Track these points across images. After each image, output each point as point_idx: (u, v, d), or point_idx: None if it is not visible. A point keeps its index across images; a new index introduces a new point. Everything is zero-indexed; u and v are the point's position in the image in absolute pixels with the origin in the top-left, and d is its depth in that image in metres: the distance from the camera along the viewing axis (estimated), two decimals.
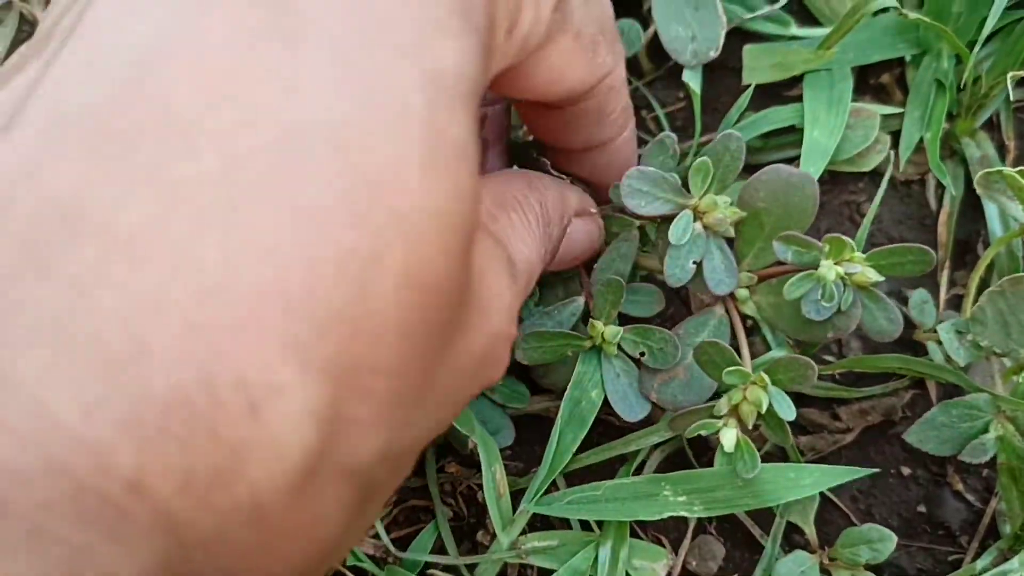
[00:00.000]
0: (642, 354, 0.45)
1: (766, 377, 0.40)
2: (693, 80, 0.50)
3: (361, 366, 0.21)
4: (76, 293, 0.18)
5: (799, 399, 0.51)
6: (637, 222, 0.45)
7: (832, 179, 0.54)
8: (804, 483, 0.45)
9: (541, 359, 0.45)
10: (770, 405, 0.40)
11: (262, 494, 0.20)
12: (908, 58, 0.53)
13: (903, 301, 0.52)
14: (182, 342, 0.19)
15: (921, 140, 0.51)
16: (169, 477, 0.19)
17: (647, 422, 0.50)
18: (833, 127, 0.48)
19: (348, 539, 0.25)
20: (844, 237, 0.40)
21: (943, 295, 0.52)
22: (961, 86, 0.51)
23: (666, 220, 0.42)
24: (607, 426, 0.51)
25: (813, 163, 0.48)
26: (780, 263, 0.42)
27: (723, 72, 0.55)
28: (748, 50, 0.52)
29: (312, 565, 0.23)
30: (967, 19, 0.50)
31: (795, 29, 0.53)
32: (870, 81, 0.55)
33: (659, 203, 0.41)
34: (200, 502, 0.19)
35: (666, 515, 0.44)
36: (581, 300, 0.45)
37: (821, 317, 0.41)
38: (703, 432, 0.41)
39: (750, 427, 0.41)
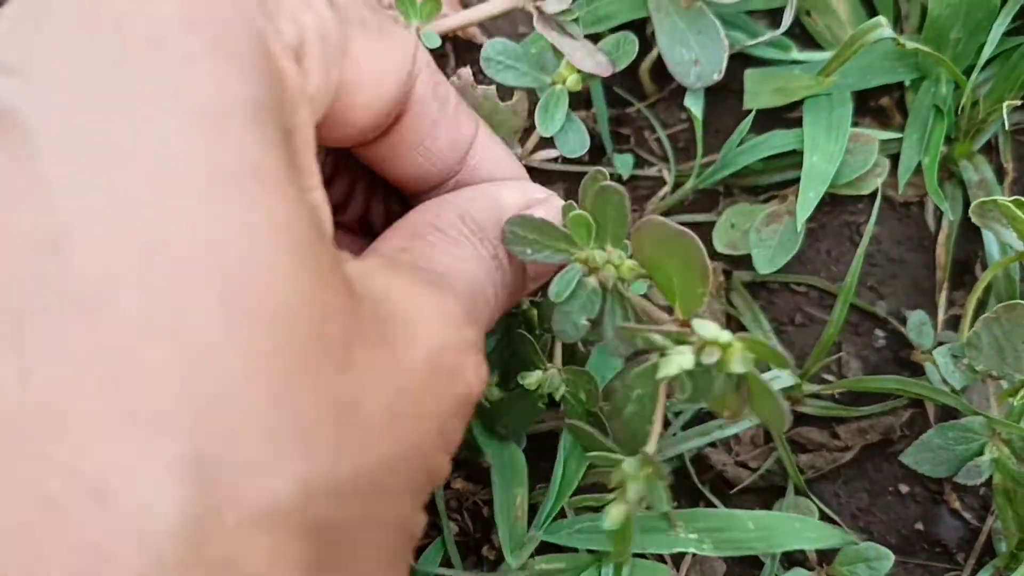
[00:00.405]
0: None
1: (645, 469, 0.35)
2: (695, 105, 0.51)
3: (213, 406, 0.20)
4: None
5: (799, 418, 0.52)
6: None
7: (832, 200, 0.54)
8: (810, 536, 0.46)
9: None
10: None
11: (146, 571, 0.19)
12: (907, 82, 0.54)
13: (902, 322, 0.53)
14: (7, 454, 0.18)
15: (920, 163, 0.52)
16: None
17: None
18: (832, 152, 0.49)
19: None
20: (704, 325, 0.32)
21: (941, 315, 0.53)
22: (959, 110, 0.52)
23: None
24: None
25: (813, 188, 0.49)
26: None
27: (725, 94, 0.56)
28: (750, 74, 0.53)
29: None
30: (965, 45, 0.51)
31: (796, 53, 0.54)
32: (870, 104, 0.56)
33: (548, 252, 0.36)
34: None
35: (676, 550, 0.45)
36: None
37: (694, 399, 0.34)
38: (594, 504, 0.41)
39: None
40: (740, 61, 0.54)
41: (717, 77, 0.51)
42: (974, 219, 0.43)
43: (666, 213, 0.55)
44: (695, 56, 0.50)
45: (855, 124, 0.53)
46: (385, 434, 0.24)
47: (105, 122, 0.21)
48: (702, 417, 0.51)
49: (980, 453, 0.45)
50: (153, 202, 0.21)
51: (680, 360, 0.31)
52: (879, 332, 0.54)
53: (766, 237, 0.51)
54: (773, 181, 0.54)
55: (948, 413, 0.50)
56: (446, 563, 0.50)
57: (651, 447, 0.34)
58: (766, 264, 0.50)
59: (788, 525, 0.46)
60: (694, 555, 0.50)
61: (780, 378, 0.49)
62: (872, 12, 0.56)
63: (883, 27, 0.46)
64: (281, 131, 0.24)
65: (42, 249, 0.20)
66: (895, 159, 0.54)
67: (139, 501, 0.18)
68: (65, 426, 0.18)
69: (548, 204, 0.38)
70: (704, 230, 0.54)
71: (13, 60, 0.22)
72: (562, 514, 0.48)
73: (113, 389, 0.19)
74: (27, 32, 0.23)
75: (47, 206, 0.20)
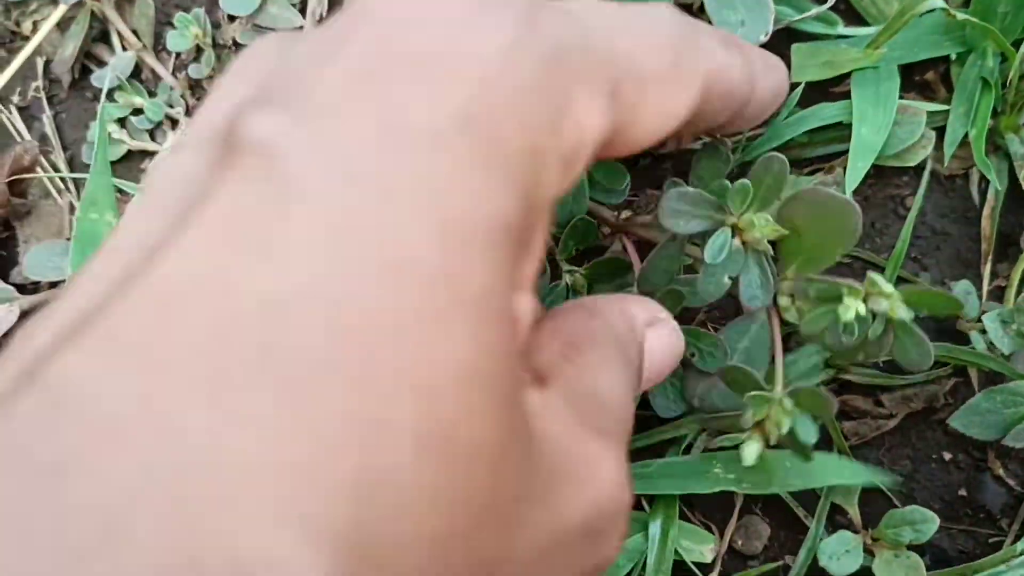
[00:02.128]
0: (692, 355, 0.46)
1: (788, 403, 0.40)
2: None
3: (380, 537, 0.19)
4: (48, 483, 0.17)
5: (844, 386, 0.52)
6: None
7: (877, 173, 0.55)
8: (845, 473, 0.48)
9: None
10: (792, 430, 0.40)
11: None
12: (953, 56, 0.54)
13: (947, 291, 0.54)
14: (165, 523, 0.17)
15: (966, 136, 0.53)
16: None
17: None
18: (880, 124, 0.50)
19: None
20: (874, 277, 0.39)
21: (986, 286, 0.54)
22: (1006, 83, 0.52)
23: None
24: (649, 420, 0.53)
25: (861, 158, 0.50)
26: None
27: None
28: (796, 48, 0.54)
29: None
30: (1013, 19, 0.52)
31: (842, 28, 0.55)
32: (915, 78, 0.56)
33: (697, 222, 0.41)
34: None
35: (716, 489, 0.46)
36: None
37: (847, 345, 0.41)
38: (727, 444, 0.44)
39: (772, 443, 0.41)
40: (787, 36, 0.55)
41: (763, 38, 0.52)
42: None
43: None
44: (741, 18, 0.51)
45: (901, 98, 0.54)
46: None
47: (358, 199, 0.21)
48: None
49: None
50: (377, 303, 0.20)
51: (856, 306, 0.39)
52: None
53: None
54: (818, 154, 0.55)
55: (992, 381, 0.51)
56: None
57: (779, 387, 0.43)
58: None
59: (825, 463, 0.47)
60: (738, 519, 0.51)
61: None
62: None
63: None
64: (519, 246, 0.24)
65: (265, 313, 0.19)
66: (940, 132, 0.54)
67: None
68: (234, 506, 0.18)
69: (668, 324, 0.38)
70: None
71: (292, 96, 0.22)
72: None
73: (280, 488, 0.18)
74: (315, 68, 0.23)
75: (281, 268, 0.20)
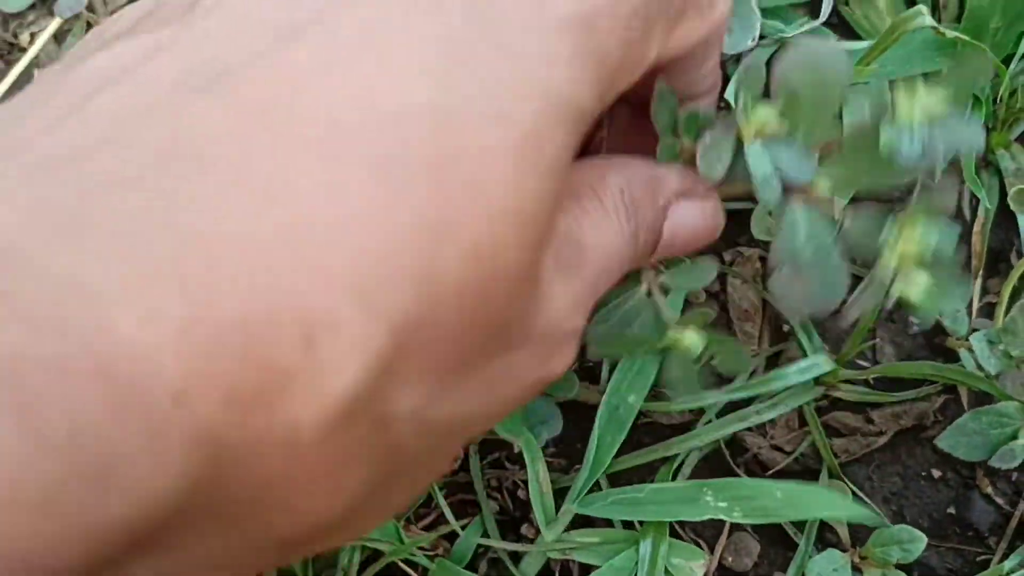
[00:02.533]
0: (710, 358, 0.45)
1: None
2: (734, 96, 0.51)
3: (420, 323, 0.22)
4: (164, 208, 0.20)
5: (834, 403, 0.53)
6: None
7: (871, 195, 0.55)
8: (837, 506, 0.48)
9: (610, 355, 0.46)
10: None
11: (300, 424, 0.21)
12: (945, 72, 0.54)
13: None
14: (256, 275, 0.20)
15: (956, 152, 0.53)
16: (214, 391, 0.19)
17: (687, 427, 0.52)
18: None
19: (367, 511, 0.26)
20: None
21: (976, 303, 0.54)
22: (997, 100, 0.52)
23: None
24: (648, 424, 0.53)
25: None
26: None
27: (765, 82, 0.56)
28: None
29: (330, 518, 0.24)
30: (1004, 34, 0.51)
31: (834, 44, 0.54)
32: None
33: (725, 154, 0.38)
34: (240, 421, 0.20)
35: (707, 517, 0.46)
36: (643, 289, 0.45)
37: (912, 161, 0.37)
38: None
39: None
40: (779, 50, 0.55)
41: (751, 44, 0.52)
42: (1013, 206, 0.44)
43: None
44: (728, 25, 0.51)
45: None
46: (480, 395, 0.26)
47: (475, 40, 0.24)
48: (738, 402, 0.52)
49: (1014, 437, 0.46)
50: (475, 138, 0.23)
51: None
52: (914, 319, 0.54)
53: None
54: None
55: (981, 399, 0.51)
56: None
57: None
58: None
59: (816, 496, 0.47)
60: (728, 536, 0.52)
61: (817, 365, 0.50)
62: (911, 2, 0.56)
63: (923, 15, 0.46)
64: (583, 124, 0.26)
65: (382, 117, 0.22)
66: None
67: (327, 365, 0.21)
68: (315, 273, 0.20)
69: (705, 199, 0.38)
70: (743, 217, 0.55)
71: None
72: (598, 489, 0.50)
73: (354, 264, 0.21)
74: None
75: (401, 85, 0.22)
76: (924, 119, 0.37)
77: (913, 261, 0.36)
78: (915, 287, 0.36)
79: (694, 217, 0.39)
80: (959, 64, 0.37)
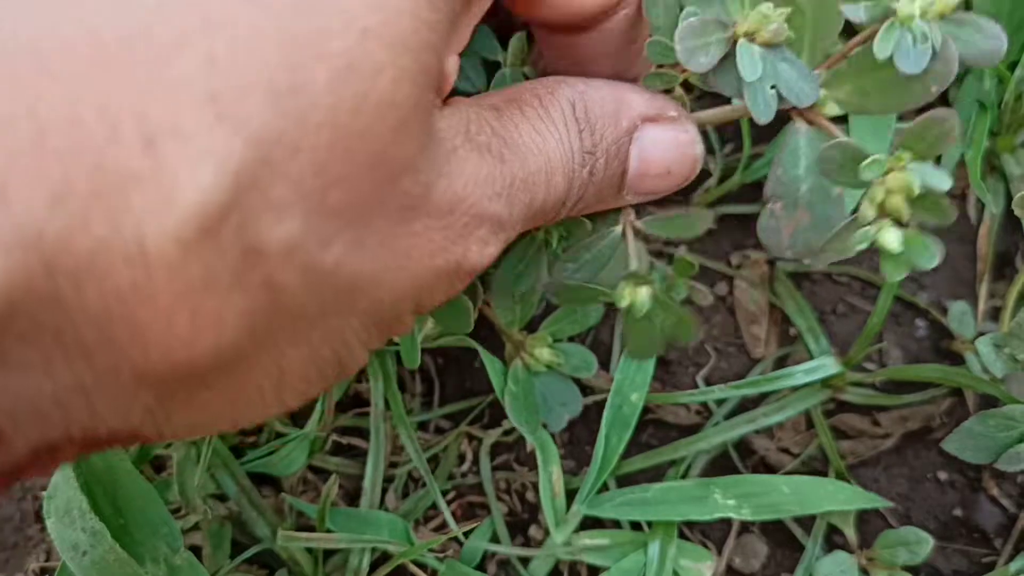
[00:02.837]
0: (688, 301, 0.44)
1: (904, 153, 0.34)
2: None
3: (282, 141, 0.21)
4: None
5: (841, 405, 0.53)
6: None
7: None
8: (840, 497, 0.48)
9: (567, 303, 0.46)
10: (922, 185, 0.34)
11: (147, 235, 0.19)
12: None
13: (942, 312, 0.54)
14: (93, 77, 0.19)
15: (962, 157, 0.53)
16: (37, 189, 0.18)
17: (695, 428, 0.52)
18: (877, 148, 0.50)
19: (254, 369, 0.24)
20: None
21: (982, 306, 0.54)
22: (1002, 105, 0.52)
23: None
24: (658, 426, 0.54)
25: None
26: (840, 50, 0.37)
27: None
28: None
29: (199, 357, 0.22)
30: (1009, 41, 0.52)
31: None
32: None
33: (712, 48, 0.35)
34: (75, 224, 0.19)
35: (716, 516, 0.46)
36: (619, 230, 0.42)
37: (920, 67, 0.34)
38: (863, 245, 0.36)
39: (906, 221, 0.35)
40: None
41: None
42: (1016, 211, 0.44)
43: (712, 204, 0.56)
44: None
45: (899, 117, 0.54)
46: (374, 251, 0.25)
47: None
48: (746, 405, 0.52)
49: (1020, 441, 0.46)
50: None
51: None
52: (920, 322, 0.55)
53: None
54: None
55: (987, 402, 0.51)
56: (495, 542, 0.52)
57: None
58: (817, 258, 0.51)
59: (821, 488, 0.47)
60: (736, 538, 0.52)
61: (824, 366, 0.50)
62: None
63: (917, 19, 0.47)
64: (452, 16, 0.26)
65: None
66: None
67: (172, 170, 0.20)
68: (158, 74, 0.20)
69: (677, 125, 0.37)
70: (750, 221, 0.55)
71: None
72: (606, 489, 0.50)
73: (207, 72, 0.20)
74: None
75: None
76: (934, 17, 0.34)
77: (897, 206, 0.34)
78: (891, 237, 0.34)
79: (666, 144, 0.37)
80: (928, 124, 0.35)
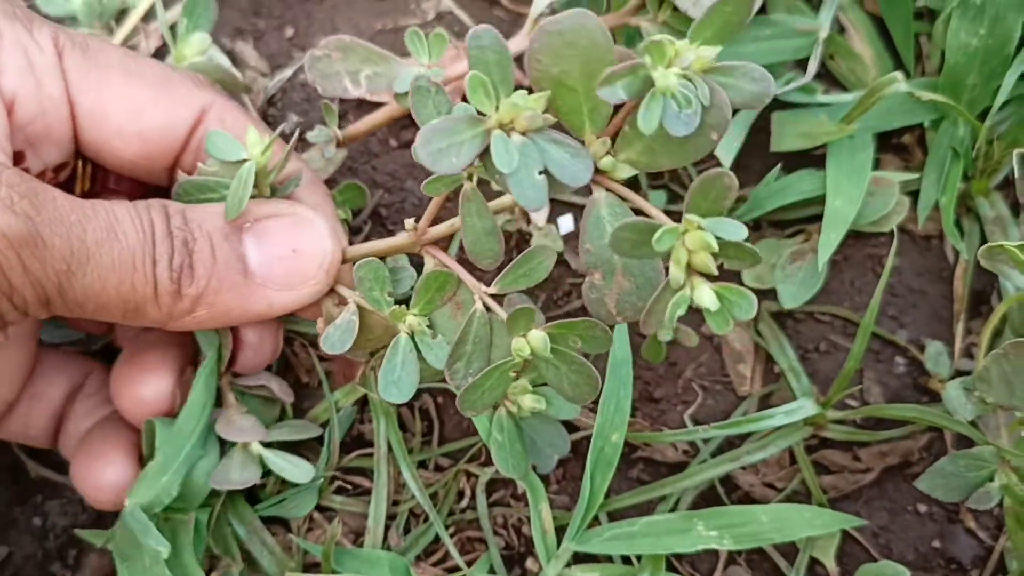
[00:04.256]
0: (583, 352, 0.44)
1: (693, 217, 0.36)
2: (725, 155, 0.54)
3: None
4: None
5: (823, 442, 0.55)
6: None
7: (855, 235, 0.58)
8: (817, 523, 0.50)
9: None
10: (717, 237, 0.35)
11: None
12: (927, 123, 0.57)
13: (921, 349, 0.56)
14: None
15: (938, 202, 0.55)
16: None
17: (683, 465, 0.55)
18: (854, 196, 0.52)
19: None
20: (662, 39, 0.35)
21: (958, 344, 0.56)
22: (976, 150, 0.55)
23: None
24: (647, 462, 0.56)
25: (834, 229, 0.52)
26: (619, 109, 0.38)
27: (754, 130, 0.59)
28: (777, 117, 0.57)
29: None
30: (982, 89, 0.54)
31: (820, 96, 0.57)
32: (892, 140, 0.59)
33: (465, 146, 0.35)
34: None
35: (699, 548, 0.49)
36: (478, 306, 0.44)
37: (691, 128, 0.35)
38: (681, 311, 0.36)
39: (715, 273, 0.36)
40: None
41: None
42: (983, 263, 0.46)
43: None
44: None
45: (877, 160, 0.56)
46: None
47: None
48: (731, 441, 0.55)
49: (991, 479, 0.48)
50: None
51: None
52: (899, 359, 0.57)
53: (791, 274, 0.54)
54: (799, 216, 0.57)
55: (965, 437, 0.53)
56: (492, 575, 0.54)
57: None
58: (791, 299, 0.54)
59: (799, 515, 0.50)
60: (723, 570, 0.54)
61: (804, 407, 0.52)
62: (894, 53, 0.59)
63: (899, 82, 0.49)
64: None
65: None
66: (915, 195, 0.57)
67: None
68: None
69: (296, 215, 0.44)
70: None
71: None
72: (598, 524, 0.52)
73: None
74: None
75: None
76: (697, 72, 0.35)
77: (700, 266, 0.35)
78: (705, 296, 0.35)
79: (283, 225, 0.45)
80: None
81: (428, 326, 0.44)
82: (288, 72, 0.63)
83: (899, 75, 0.50)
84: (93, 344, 0.56)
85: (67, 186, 0.49)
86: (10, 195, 0.36)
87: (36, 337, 0.49)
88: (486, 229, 0.40)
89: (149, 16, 0.64)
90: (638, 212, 0.39)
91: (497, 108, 0.36)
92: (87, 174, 0.49)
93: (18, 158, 0.44)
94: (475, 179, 0.39)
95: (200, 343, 0.49)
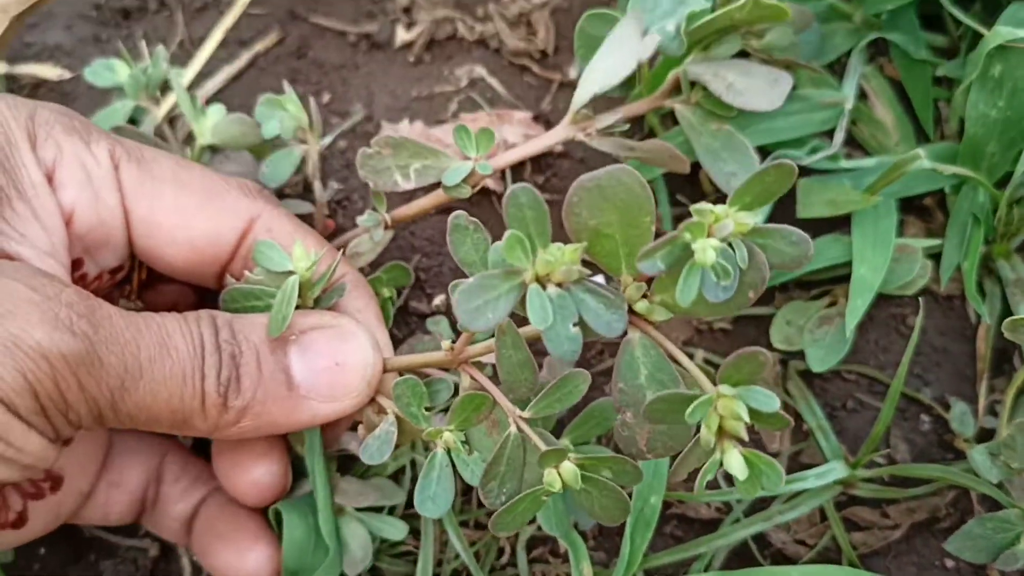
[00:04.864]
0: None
1: (726, 388, 0.37)
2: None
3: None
4: None
5: (852, 499, 0.57)
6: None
7: (880, 297, 0.59)
8: None
9: None
10: (749, 408, 0.36)
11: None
12: (948, 189, 0.59)
13: (946, 407, 0.58)
14: None
15: (959, 265, 0.57)
16: None
17: (716, 523, 0.57)
18: (879, 264, 0.54)
19: None
20: (703, 209, 0.36)
21: (982, 402, 0.58)
22: (996, 216, 0.56)
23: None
24: (681, 520, 0.58)
25: (861, 296, 0.54)
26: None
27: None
28: (802, 184, 0.59)
29: None
30: (1001, 157, 0.56)
31: (844, 162, 0.59)
32: (914, 203, 0.61)
33: (501, 301, 0.36)
34: None
35: None
36: (513, 430, 0.44)
37: (729, 294, 0.37)
38: (710, 476, 0.37)
39: (745, 439, 0.37)
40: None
41: None
42: (1007, 334, 0.48)
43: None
44: (732, 169, 0.55)
45: (901, 222, 0.58)
46: None
47: None
48: (763, 499, 0.56)
49: (1016, 542, 0.50)
50: None
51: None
52: (925, 417, 0.59)
53: (819, 338, 0.56)
54: (823, 278, 0.59)
55: (990, 496, 0.55)
56: None
57: None
58: (819, 363, 0.56)
59: (830, 575, 0.51)
60: None
61: (834, 470, 0.54)
62: (914, 117, 0.61)
63: (921, 158, 0.51)
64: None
65: None
66: (937, 257, 0.59)
67: None
68: None
69: (340, 327, 0.46)
70: (762, 322, 0.60)
71: None
72: None
73: None
74: None
75: None
76: (736, 236, 0.36)
77: (734, 428, 0.36)
78: (734, 462, 0.36)
79: (327, 338, 0.46)
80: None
81: (463, 442, 0.45)
82: (327, 139, 0.65)
83: (921, 151, 0.52)
84: None
85: (123, 283, 0.52)
86: (70, 316, 0.38)
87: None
88: (520, 361, 0.41)
89: (194, 86, 0.67)
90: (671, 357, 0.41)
91: (534, 264, 0.37)
92: (143, 271, 0.52)
93: (76, 264, 0.47)
94: None
95: None
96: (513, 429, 0.43)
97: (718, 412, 0.36)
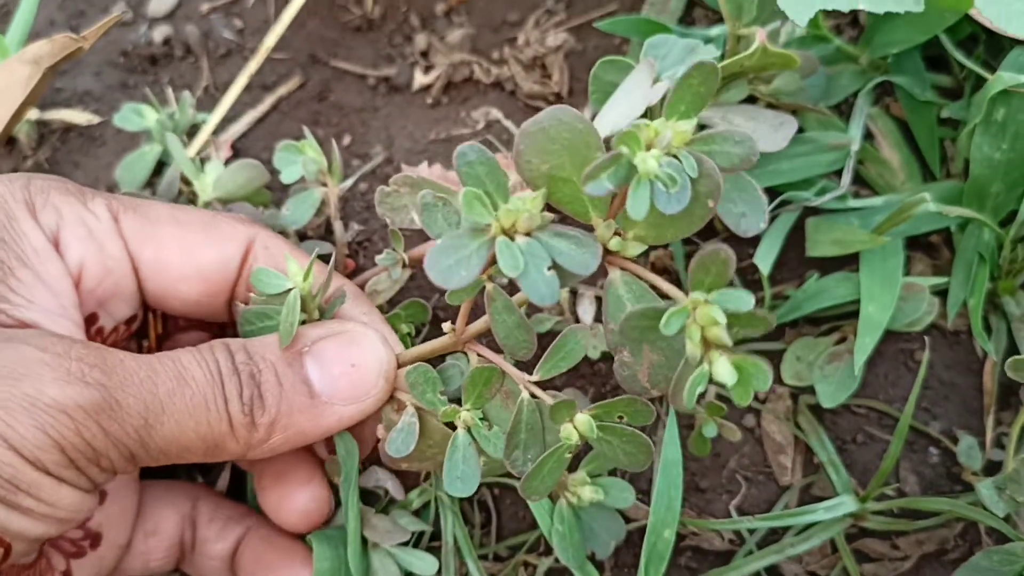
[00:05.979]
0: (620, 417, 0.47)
1: (699, 294, 0.37)
2: (763, 262, 0.58)
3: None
4: None
5: (862, 532, 0.58)
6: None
7: (887, 332, 0.61)
8: None
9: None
10: (727, 312, 0.36)
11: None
12: (954, 227, 0.60)
13: (953, 440, 0.59)
14: None
15: (966, 301, 0.59)
16: None
17: (729, 554, 0.58)
18: (887, 303, 0.56)
19: None
20: (637, 123, 0.37)
21: (989, 434, 0.59)
22: (1001, 253, 0.58)
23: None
24: (695, 551, 0.59)
25: (869, 334, 0.55)
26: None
27: (789, 232, 0.62)
28: (811, 224, 0.60)
29: None
30: (1005, 196, 0.57)
31: (851, 201, 0.61)
32: (921, 241, 0.62)
33: (472, 258, 0.37)
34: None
35: None
36: (525, 395, 0.46)
37: (683, 204, 0.37)
38: (701, 387, 0.36)
39: (729, 344, 0.36)
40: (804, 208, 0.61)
41: (762, 226, 0.57)
42: (1010, 373, 0.49)
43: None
44: (742, 210, 0.56)
45: (908, 259, 0.60)
46: None
47: None
48: (775, 531, 0.58)
49: (1022, 574, 0.51)
50: None
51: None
52: (933, 450, 0.60)
53: (828, 374, 0.58)
54: (832, 314, 0.61)
55: (997, 528, 0.56)
56: None
57: None
58: (829, 399, 0.57)
59: None
60: None
61: (844, 503, 0.55)
62: (920, 156, 0.63)
63: (927, 202, 0.52)
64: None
65: None
66: (944, 293, 0.60)
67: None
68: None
69: (350, 331, 0.49)
70: (772, 358, 0.61)
71: None
72: None
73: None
74: None
75: None
76: (679, 148, 0.36)
77: (715, 339, 0.35)
78: (722, 369, 0.35)
79: (339, 343, 0.49)
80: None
81: (482, 419, 0.47)
82: (349, 182, 0.67)
83: (927, 195, 0.53)
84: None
85: (140, 336, 0.54)
86: (81, 368, 0.40)
87: (138, 477, 0.53)
88: (515, 323, 0.43)
89: (219, 130, 0.69)
90: (654, 287, 0.42)
91: (496, 216, 0.38)
92: (158, 321, 0.54)
93: (91, 319, 0.49)
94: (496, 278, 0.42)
95: (338, 449, 0.52)
96: (525, 395, 0.44)
97: (697, 321, 0.36)
